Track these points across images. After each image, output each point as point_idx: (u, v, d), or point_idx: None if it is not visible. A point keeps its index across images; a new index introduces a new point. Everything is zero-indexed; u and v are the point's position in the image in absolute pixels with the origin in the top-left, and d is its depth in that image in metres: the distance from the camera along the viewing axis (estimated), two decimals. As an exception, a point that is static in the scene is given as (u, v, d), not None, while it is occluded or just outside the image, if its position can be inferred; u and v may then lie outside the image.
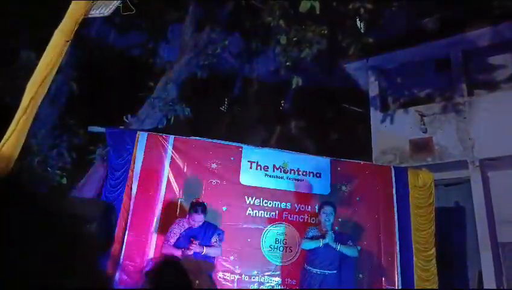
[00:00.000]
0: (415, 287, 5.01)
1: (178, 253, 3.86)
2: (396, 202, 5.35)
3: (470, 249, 7.15)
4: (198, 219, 4.02)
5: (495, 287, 6.43)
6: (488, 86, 7.86)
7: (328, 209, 4.37)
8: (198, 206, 4.06)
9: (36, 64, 2.68)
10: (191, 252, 3.89)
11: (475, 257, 6.90)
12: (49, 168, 4.68)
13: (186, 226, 4.08)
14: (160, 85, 5.77)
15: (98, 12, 2.41)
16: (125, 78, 6.96)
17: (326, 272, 4.23)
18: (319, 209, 4.56)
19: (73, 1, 2.40)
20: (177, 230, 4.07)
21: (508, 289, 6.60)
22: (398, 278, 5.06)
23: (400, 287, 4.96)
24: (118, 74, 7.05)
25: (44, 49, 2.74)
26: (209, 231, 4.13)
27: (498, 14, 6.99)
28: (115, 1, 2.43)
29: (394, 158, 7.86)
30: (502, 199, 7.05)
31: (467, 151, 7.23)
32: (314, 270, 4.27)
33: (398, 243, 5.14)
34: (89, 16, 2.43)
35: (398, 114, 8.15)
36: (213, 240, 4.09)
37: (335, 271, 4.27)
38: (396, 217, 5.28)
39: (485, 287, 6.53)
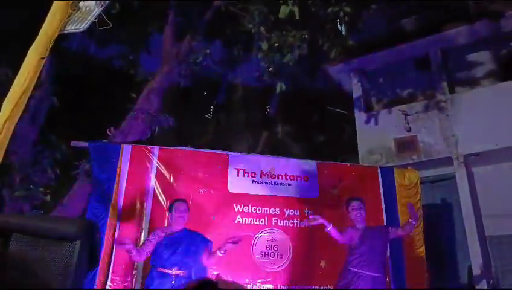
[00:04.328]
0: (406, 285, 5.03)
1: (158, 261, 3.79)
2: (384, 202, 5.37)
3: (458, 244, 7.24)
4: (181, 220, 3.93)
5: (484, 279, 6.52)
6: (468, 83, 8.03)
7: (356, 204, 4.37)
8: (181, 203, 3.99)
9: (13, 81, 2.63)
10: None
11: (464, 252, 6.99)
12: (31, 186, 4.58)
13: (163, 235, 3.92)
14: (143, 96, 5.73)
15: (73, 27, 2.37)
16: (107, 90, 6.89)
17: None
18: (347, 208, 4.57)
19: (47, 17, 2.36)
20: (152, 238, 3.94)
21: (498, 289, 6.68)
22: (389, 276, 5.07)
23: (391, 286, 4.97)
24: (100, 87, 6.98)
25: (20, 66, 2.69)
26: (195, 239, 4.04)
27: (473, 14, 7.15)
28: (90, 16, 2.41)
29: (380, 158, 7.94)
30: (487, 193, 7.17)
31: (451, 148, 7.34)
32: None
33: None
34: (65, 31, 2.39)
35: (382, 114, 8.26)
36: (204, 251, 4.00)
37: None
38: (384, 216, 5.30)
39: (474, 280, 6.61)
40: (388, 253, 5.08)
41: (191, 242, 3.96)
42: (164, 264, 3.81)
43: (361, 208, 4.36)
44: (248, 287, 4.66)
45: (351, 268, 4.18)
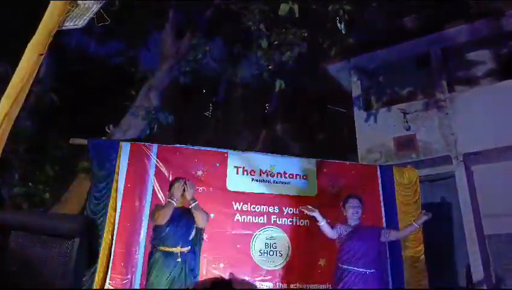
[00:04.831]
0: (405, 284, 5.04)
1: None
2: (383, 201, 5.38)
3: (457, 243, 7.24)
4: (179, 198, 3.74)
5: (483, 279, 6.53)
6: (468, 82, 8.02)
7: (354, 202, 4.24)
8: (178, 180, 3.83)
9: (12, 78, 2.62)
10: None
11: (463, 251, 7.00)
12: (30, 183, 4.57)
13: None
14: (142, 93, 5.72)
15: (72, 24, 2.36)
16: (106, 87, 6.88)
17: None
18: (344, 204, 4.34)
19: (46, 14, 2.35)
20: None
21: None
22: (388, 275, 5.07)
23: (390, 286, 4.98)
24: (99, 84, 6.97)
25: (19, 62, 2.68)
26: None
27: (474, 12, 7.15)
28: (89, 13, 2.40)
29: (380, 156, 7.94)
30: (486, 192, 7.17)
31: (450, 147, 7.34)
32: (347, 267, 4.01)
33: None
34: (63, 28, 2.38)
35: (381, 113, 8.25)
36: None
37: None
38: (383, 215, 5.31)
39: (473, 279, 6.62)
40: (387, 253, 5.09)
41: (190, 217, 3.79)
42: (166, 242, 3.64)
43: (358, 206, 4.21)
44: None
45: (340, 265, 4.09)
